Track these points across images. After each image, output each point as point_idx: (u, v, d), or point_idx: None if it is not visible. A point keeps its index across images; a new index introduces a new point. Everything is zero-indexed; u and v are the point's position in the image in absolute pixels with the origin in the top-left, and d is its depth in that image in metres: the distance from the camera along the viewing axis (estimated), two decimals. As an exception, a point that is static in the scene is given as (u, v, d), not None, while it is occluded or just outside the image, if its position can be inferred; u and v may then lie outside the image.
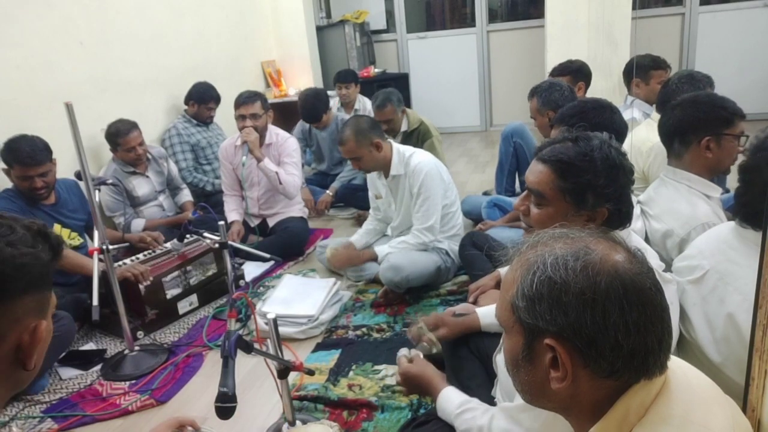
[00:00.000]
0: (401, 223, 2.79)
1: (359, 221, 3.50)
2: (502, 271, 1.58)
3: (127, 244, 2.88)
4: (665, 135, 1.82)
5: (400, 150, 2.68)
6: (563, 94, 2.53)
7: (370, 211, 3.00)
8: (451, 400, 1.46)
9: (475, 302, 2.05)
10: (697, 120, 1.72)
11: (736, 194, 1.37)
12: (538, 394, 0.80)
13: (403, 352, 1.75)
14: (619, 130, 1.89)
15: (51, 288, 0.83)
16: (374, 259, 2.69)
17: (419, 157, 2.65)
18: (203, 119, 3.87)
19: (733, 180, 1.50)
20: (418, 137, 3.65)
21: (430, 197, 2.58)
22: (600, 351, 0.71)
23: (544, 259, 0.75)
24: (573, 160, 1.25)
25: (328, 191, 3.97)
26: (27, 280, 0.77)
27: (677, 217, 1.72)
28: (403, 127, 3.68)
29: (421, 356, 1.73)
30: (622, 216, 1.27)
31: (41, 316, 0.80)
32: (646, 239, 1.80)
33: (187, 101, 3.87)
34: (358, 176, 4.04)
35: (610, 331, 0.70)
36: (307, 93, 4.04)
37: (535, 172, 1.31)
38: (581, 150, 1.26)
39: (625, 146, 1.61)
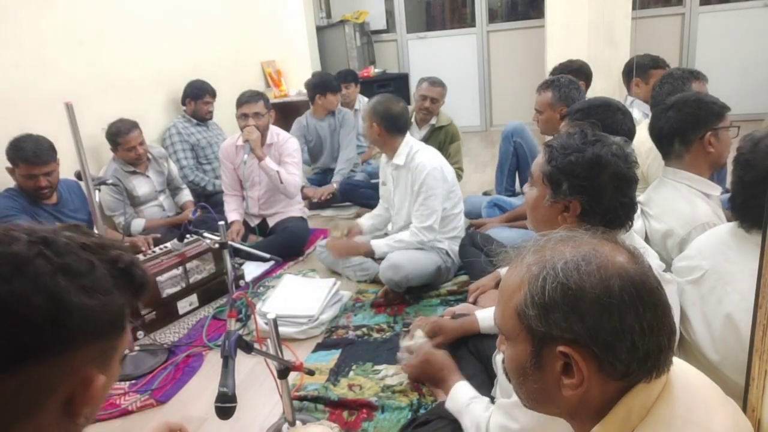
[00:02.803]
0: (399, 218, 2.78)
1: (360, 221, 3.50)
2: (502, 271, 1.59)
3: (127, 244, 2.88)
4: (664, 137, 1.82)
5: (410, 143, 2.68)
6: (579, 93, 2.54)
7: (380, 198, 3.01)
8: (465, 391, 1.53)
9: (475, 302, 2.06)
10: (695, 118, 1.74)
11: (733, 203, 1.37)
12: (546, 401, 0.77)
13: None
14: (619, 131, 1.87)
15: (122, 331, 0.69)
16: (371, 253, 2.69)
17: (425, 155, 2.63)
18: (202, 116, 3.87)
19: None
20: (446, 136, 3.67)
21: (431, 197, 2.57)
22: (616, 355, 0.70)
23: (553, 264, 0.73)
24: (560, 146, 1.30)
25: (331, 183, 3.98)
26: (93, 330, 0.64)
27: (677, 216, 1.72)
28: (433, 121, 3.71)
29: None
30: (598, 217, 1.25)
31: (102, 367, 0.66)
32: (646, 239, 1.80)
33: (183, 100, 3.87)
34: (358, 172, 4.05)
35: (626, 334, 0.69)
36: (316, 71, 4.44)
37: (538, 156, 1.39)
38: (574, 141, 1.29)
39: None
